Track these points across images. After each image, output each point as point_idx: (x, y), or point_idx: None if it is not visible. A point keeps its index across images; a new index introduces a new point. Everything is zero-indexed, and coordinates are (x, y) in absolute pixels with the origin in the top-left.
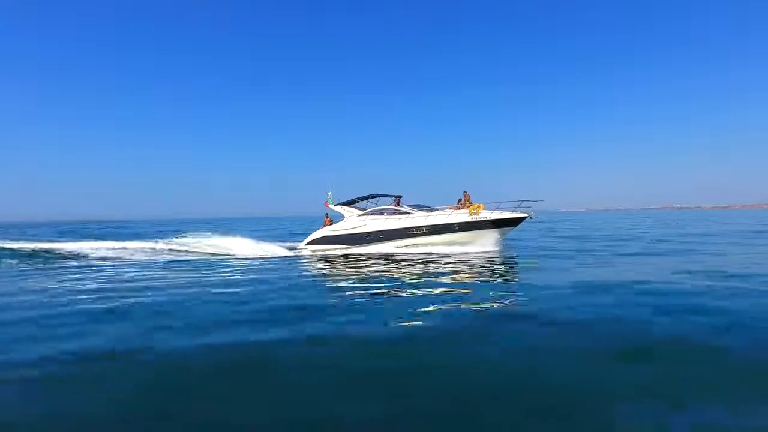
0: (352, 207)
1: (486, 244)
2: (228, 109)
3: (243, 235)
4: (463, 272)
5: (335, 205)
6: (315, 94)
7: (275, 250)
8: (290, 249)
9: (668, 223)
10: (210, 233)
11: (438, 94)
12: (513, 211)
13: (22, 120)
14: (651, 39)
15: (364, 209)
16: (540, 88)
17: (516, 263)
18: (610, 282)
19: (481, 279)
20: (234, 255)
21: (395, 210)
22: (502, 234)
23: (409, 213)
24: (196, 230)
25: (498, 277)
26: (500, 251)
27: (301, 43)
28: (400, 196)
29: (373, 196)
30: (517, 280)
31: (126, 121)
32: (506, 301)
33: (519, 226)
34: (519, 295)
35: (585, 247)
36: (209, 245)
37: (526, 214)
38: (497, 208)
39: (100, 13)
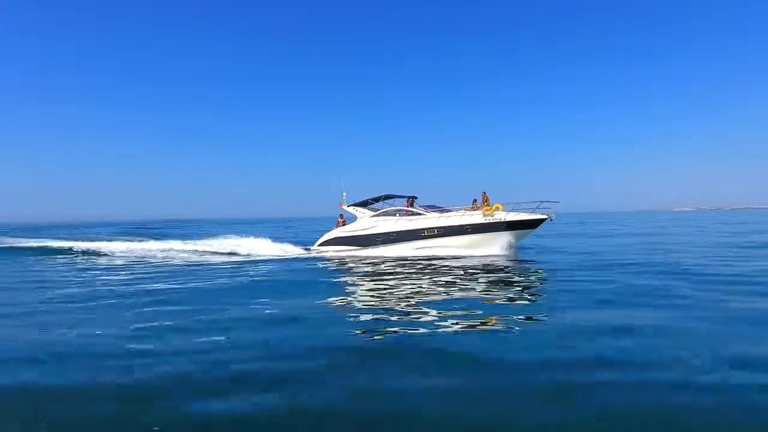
0: (366, 208)
1: (500, 247)
2: (231, 112)
3: (261, 237)
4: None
5: (348, 206)
6: (317, 96)
7: (293, 250)
8: (305, 249)
9: None
10: (231, 235)
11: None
12: (531, 212)
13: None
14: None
15: (378, 210)
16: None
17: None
18: None
19: None
20: (263, 254)
21: (407, 211)
22: (518, 237)
23: (421, 214)
24: (215, 231)
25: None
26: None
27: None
28: (414, 197)
29: (387, 197)
30: None
31: (122, 124)
32: None
33: (537, 228)
34: None
35: None
36: (236, 245)
37: (544, 216)
38: (514, 209)
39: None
